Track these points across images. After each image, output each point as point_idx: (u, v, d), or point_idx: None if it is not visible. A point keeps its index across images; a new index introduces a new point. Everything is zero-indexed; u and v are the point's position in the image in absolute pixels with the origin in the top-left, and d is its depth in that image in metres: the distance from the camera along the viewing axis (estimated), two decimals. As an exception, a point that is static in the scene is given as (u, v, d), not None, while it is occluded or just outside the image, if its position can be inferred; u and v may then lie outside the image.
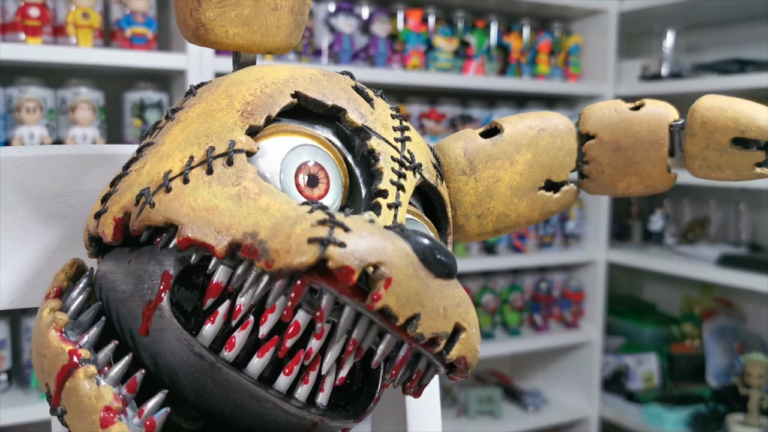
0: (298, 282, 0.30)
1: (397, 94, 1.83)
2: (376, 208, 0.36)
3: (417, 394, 0.36)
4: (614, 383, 2.03)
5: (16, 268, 0.43)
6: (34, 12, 1.37)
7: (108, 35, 1.50)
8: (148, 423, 0.30)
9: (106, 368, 0.32)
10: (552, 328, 2.03)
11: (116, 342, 0.33)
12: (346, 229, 0.30)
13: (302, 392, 0.35)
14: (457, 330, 0.33)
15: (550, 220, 1.97)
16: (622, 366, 2.03)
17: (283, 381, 0.35)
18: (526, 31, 1.95)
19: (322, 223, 0.30)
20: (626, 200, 2.16)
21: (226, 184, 0.33)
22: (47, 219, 0.44)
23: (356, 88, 0.40)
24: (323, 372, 0.35)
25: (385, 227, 0.33)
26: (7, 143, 1.39)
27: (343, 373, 0.35)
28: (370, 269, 0.30)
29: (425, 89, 1.85)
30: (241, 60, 0.41)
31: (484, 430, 1.89)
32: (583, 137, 0.49)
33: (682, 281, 2.09)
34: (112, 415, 0.30)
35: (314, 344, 0.34)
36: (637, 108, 0.49)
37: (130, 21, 1.45)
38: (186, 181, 0.33)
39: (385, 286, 0.30)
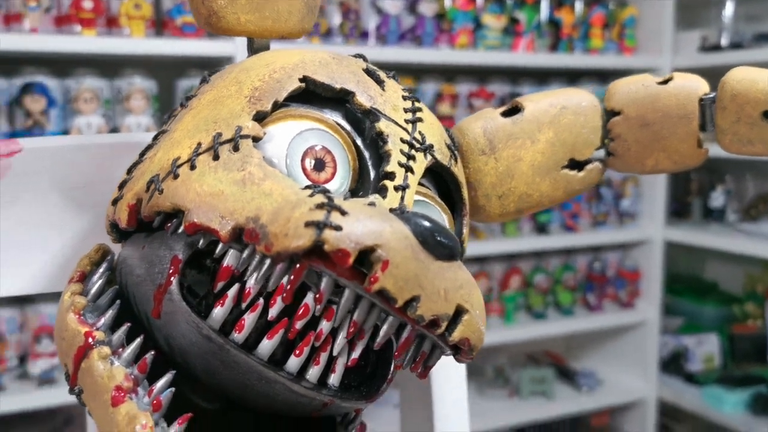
0: (297, 265, 0.31)
1: (444, 74, 1.81)
2: (383, 191, 0.36)
3: (423, 375, 0.36)
4: (673, 364, 1.99)
5: (49, 254, 0.45)
6: (87, 4, 1.41)
7: (159, 25, 1.53)
8: (155, 402, 0.31)
9: (120, 349, 0.33)
10: (606, 308, 2.00)
11: (129, 324, 0.34)
12: (343, 213, 0.30)
13: (313, 373, 0.35)
14: (460, 312, 0.33)
15: (603, 198, 1.93)
16: (681, 347, 1.99)
17: (293, 362, 0.35)
18: (579, 5, 1.91)
19: (320, 207, 0.30)
20: (685, 176, 2.10)
21: (231, 169, 0.34)
22: (78, 207, 0.46)
23: (367, 71, 0.40)
24: (334, 353, 0.35)
25: (390, 210, 0.33)
26: (65, 132, 1.44)
27: (355, 354, 0.35)
28: (368, 252, 0.30)
29: (474, 68, 1.83)
30: (255, 46, 0.42)
31: (537, 410, 1.88)
32: (609, 114, 0.48)
33: (744, 259, 2.02)
34: (122, 394, 0.31)
35: (324, 326, 0.34)
36: (665, 82, 0.47)
37: (180, 10, 1.47)
38: (193, 167, 0.34)
39: (382, 269, 0.30)
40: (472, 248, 1.78)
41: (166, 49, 1.45)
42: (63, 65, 1.47)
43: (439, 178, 0.42)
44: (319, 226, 0.30)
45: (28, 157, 0.45)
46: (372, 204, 0.33)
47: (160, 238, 0.36)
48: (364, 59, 0.42)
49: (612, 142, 0.48)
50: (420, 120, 0.40)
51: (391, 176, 0.37)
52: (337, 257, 0.30)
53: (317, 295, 0.32)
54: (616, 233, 1.95)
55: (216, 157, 0.34)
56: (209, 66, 1.66)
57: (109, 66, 1.52)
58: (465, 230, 0.42)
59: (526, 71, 1.92)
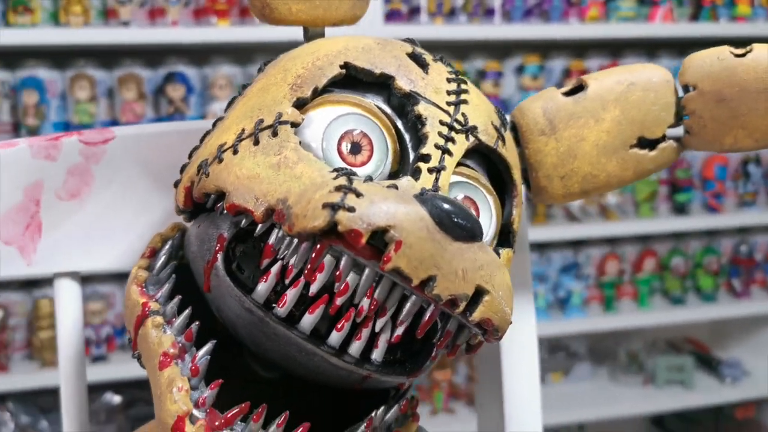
0: (318, 245, 0.33)
1: (574, 50, 1.75)
2: (417, 173, 0.37)
3: (451, 354, 0.37)
4: (832, 357, 1.83)
5: (137, 234, 0.49)
6: (222, -4, 1.50)
7: (288, 12, 1.59)
8: (193, 368, 0.34)
9: (173, 319, 0.37)
10: (754, 295, 1.86)
11: (180, 297, 0.37)
12: (358, 195, 0.32)
13: (354, 348, 0.37)
14: (481, 292, 0.33)
15: (751, 176, 1.80)
16: (841, 338, 1.82)
17: (335, 337, 0.36)
18: (724, -31, 1.77)
19: (338, 189, 0.32)
20: None
21: (269, 153, 0.36)
22: (164, 189, 0.50)
23: (412, 55, 0.41)
24: (376, 330, 0.37)
25: (421, 192, 0.34)
26: (203, 117, 1.54)
27: (399, 331, 0.36)
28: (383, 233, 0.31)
29: (606, 42, 1.75)
30: (309, 34, 0.44)
31: (674, 399, 1.79)
32: (684, 89, 0.46)
33: None
34: (168, 359, 0.34)
35: (365, 303, 0.35)
36: (743, 54, 0.45)
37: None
38: (235, 152, 0.36)
39: (395, 249, 0.31)
40: (602, 229, 1.72)
41: (295, 35, 1.51)
42: (201, 54, 1.57)
43: (490, 160, 0.42)
44: (334, 207, 0.31)
45: (121, 144, 0.49)
46: (393, 186, 0.34)
47: (210, 218, 0.38)
48: (414, 43, 0.42)
49: (687, 119, 0.46)
50: (464, 102, 0.40)
51: (426, 158, 0.37)
52: (350, 237, 0.31)
53: (337, 273, 0.33)
54: (765, 214, 1.81)
55: (256, 142, 0.36)
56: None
57: (242, 54, 1.60)
58: (515, 211, 0.42)
59: (663, 43, 1.82)
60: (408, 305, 0.34)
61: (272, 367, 0.42)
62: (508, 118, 0.47)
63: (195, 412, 0.33)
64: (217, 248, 0.37)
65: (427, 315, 0.34)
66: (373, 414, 0.37)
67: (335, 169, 0.35)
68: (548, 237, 1.73)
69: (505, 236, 0.42)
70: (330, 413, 0.42)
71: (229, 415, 0.33)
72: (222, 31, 1.49)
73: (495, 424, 0.55)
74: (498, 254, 0.41)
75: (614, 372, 1.89)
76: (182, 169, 0.41)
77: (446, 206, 0.32)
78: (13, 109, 1.46)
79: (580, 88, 0.46)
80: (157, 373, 0.34)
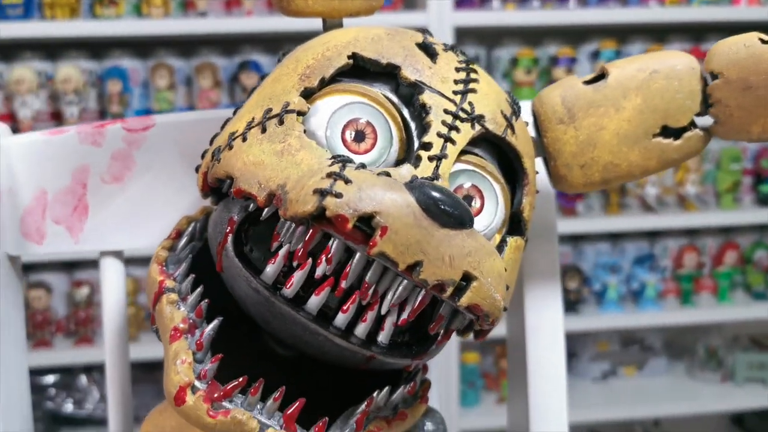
0: (310, 229, 0.34)
1: (653, 34, 1.70)
2: (418, 161, 0.38)
3: (445, 337, 0.38)
4: None
5: (174, 215, 0.52)
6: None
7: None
8: (198, 342, 0.36)
9: (188, 296, 0.39)
10: None
11: (194, 275, 0.40)
12: (347, 181, 0.33)
13: (360, 329, 0.38)
14: (468, 278, 0.34)
15: None
16: None
17: (340, 318, 0.38)
18: (821, -54, 1.67)
19: (329, 175, 0.33)
20: None
21: (274, 141, 0.37)
22: (199, 173, 0.52)
23: (423, 45, 0.41)
24: (382, 312, 0.38)
25: (411, 179, 0.35)
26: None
27: (405, 315, 0.37)
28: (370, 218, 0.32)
29: (687, 26, 1.69)
30: (327, 25, 0.45)
31: (755, 398, 1.72)
32: (711, 77, 0.44)
33: None
34: (178, 334, 0.37)
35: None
36: (771, 41, 0.43)
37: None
38: (244, 139, 0.38)
39: (380, 234, 0.32)
40: (680, 220, 1.67)
41: (367, 21, 1.52)
42: (274, 43, 1.61)
43: (501, 149, 0.42)
44: (323, 193, 0.33)
45: (160, 131, 0.52)
46: (386, 174, 0.35)
47: (224, 203, 0.41)
48: (427, 33, 0.43)
49: (712, 108, 0.45)
50: (472, 91, 0.40)
51: (428, 146, 0.38)
52: (337, 222, 0.33)
53: (328, 256, 0.34)
54: None
55: (264, 130, 0.38)
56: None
57: (272, 43, 1.63)
58: (525, 200, 0.42)
59: (748, 27, 1.73)
60: (399, 289, 0.35)
61: (288, 346, 0.44)
62: (527, 105, 0.47)
63: (197, 383, 0.35)
64: (227, 230, 0.39)
65: (418, 300, 0.35)
66: (374, 394, 0.39)
67: (333, 157, 0.36)
68: (622, 227, 1.69)
69: (516, 224, 0.43)
70: (341, 393, 0.43)
71: (228, 388, 0.35)
72: (294, 21, 1.52)
73: (522, 418, 0.55)
74: (505, 242, 0.41)
75: (692, 367, 1.83)
76: (203, 155, 0.43)
77: (434, 193, 0.33)
78: (99, 97, 1.54)
79: (602, 76, 0.46)
80: (167, 346, 0.37)
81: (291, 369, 0.44)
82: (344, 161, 0.35)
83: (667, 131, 0.45)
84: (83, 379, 1.58)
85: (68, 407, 1.56)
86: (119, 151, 0.52)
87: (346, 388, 0.44)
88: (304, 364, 0.44)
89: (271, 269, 0.38)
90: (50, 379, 1.57)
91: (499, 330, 1.67)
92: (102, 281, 0.53)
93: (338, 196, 0.32)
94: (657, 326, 1.77)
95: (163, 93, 1.52)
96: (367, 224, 0.33)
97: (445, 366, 1.65)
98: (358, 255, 0.34)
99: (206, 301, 0.38)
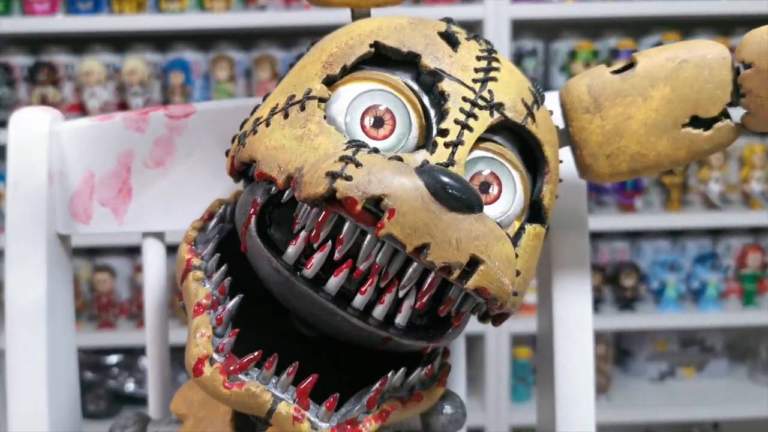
0: (323, 211, 0.35)
1: (719, 26, 1.65)
2: (434, 147, 0.38)
3: (455, 320, 0.38)
4: None
5: (212, 199, 0.53)
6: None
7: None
8: (218, 317, 0.38)
9: (213, 274, 0.41)
10: None
11: (219, 255, 0.41)
12: (358, 165, 0.34)
13: (378, 311, 0.39)
14: (476, 261, 0.35)
15: None
16: None
17: (358, 299, 0.39)
18: None
19: (341, 159, 0.34)
20: None
21: (295, 126, 0.39)
22: (238, 159, 0.54)
23: (445, 33, 0.42)
24: (400, 295, 0.39)
25: (422, 164, 0.35)
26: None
27: (425, 298, 0.38)
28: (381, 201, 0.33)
29: (755, 17, 1.63)
30: (355, 15, 0.46)
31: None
32: (743, 67, 0.44)
33: None
34: (201, 309, 0.39)
35: (363, 265, 0.37)
36: (805, 29, 0.42)
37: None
38: (268, 124, 0.40)
39: (388, 216, 0.33)
40: (744, 218, 1.62)
41: (425, 13, 1.53)
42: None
43: (522, 137, 0.43)
44: (334, 176, 0.34)
45: (200, 118, 0.54)
46: (398, 159, 0.36)
47: (251, 186, 0.42)
48: (450, 22, 0.43)
49: (743, 98, 0.44)
50: (492, 79, 0.41)
51: (444, 133, 0.39)
52: (347, 204, 0.34)
53: (340, 237, 0.36)
54: None
55: (286, 116, 0.39)
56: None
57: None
58: (546, 188, 0.43)
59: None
60: (410, 271, 0.36)
61: (311, 326, 0.45)
62: (554, 95, 0.47)
63: (215, 356, 0.37)
64: (251, 212, 0.40)
65: (428, 282, 0.36)
66: (389, 374, 0.40)
67: (349, 142, 0.37)
68: (683, 224, 1.65)
69: (537, 212, 0.43)
70: (361, 373, 0.45)
71: (244, 361, 0.37)
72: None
73: (550, 413, 0.55)
74: (523, 229, 0.41)
75: (754, 371, 1.77)
76: (233, 140, 0.45)
77: (443, 178, 0.34)
78: (163, 88, 1.60)
79: (630, 65, 0.46)
80: (190, 321, 0.39)
81: (313, 349, 0.45)
82: (359, 146, 0.36)
83: (696, 121, 0.45)
84: (144, 360, 1.64)
85: (130, 386, 1.63)
86: (161, 137, 0.54)
87: (366, 369, 0.45)
88: (327, 345, 0.45)
89: (292, 250, 0.39)
90: (113, 359, 1.64)
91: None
92: (143, 262, 0.56)
93: (348, 178, 0.34)
94: (718, 327, 1.72)
95: (223, 84, 1.56)
96: (377, 207, 0.34)
97: (495, 360, 1.64)
98: (369, 237, 0.36)
99: (229, 279, 0.40)
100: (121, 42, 1.60)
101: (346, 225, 0.36)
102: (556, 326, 0.54)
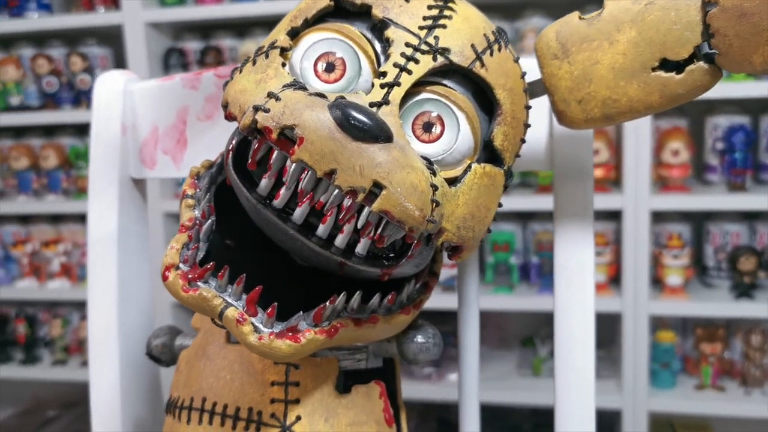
0: (256, 140, 0.41)
1: None
2: (372, 87, 0.42)
3: (379, 243, 0.42)
4: None
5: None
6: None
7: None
8: (189, 234, 0.45)
9: (202, 203, 0.48)
10: None
11: (212, 186, 0.48)
12: (277, 99, 0.39)
13: (339, 240, 0.43)
14: (378, 186, 0.38)
15: None
16: None
17: (321, 229, 0.43)
18: None
19: (268, 95, 0.40)
20: None
21: (258, 72, 0.44)
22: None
23: None
24: (358, 226, 0.43)
25: (335, 99, 0.39)
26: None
27: (347, 218, 0.41)
28: (289, 130, 0.38)
29: None
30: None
31: None
32: (709, 6, 0.43)
33: None
34: (183, 229, 0.45)
35: (346, 202, 0.42)
36: (771, -38, 0.40)
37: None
38: (240, 72, 0.46)
39: (298, 144, 0.38)
40: None
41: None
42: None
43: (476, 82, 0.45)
44: (257, 109, 0.39)
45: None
46: (319, 95, 0.40)
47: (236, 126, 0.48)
48: None
49: (713, 38, 0.43)
50: (441, 26, 0.43)
51: (382, 75, 0.42)
52: (266, 132, 0.39)
53: (269, 164, 0.41)
54: None
55: (254, 63, 0.45)
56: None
57: (512, 9, 1.65)
58: (497, 129, 0.44)
59: None
60: (333, 195, 0.40)
61: (304, 258, 0.50)
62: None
63: (181, 266, 0.44)
64: (229, 147, 0.46)
65: (345, 204, 0.40)
66: (342, 294, 0.44)
67: (290, 83, 0.42)
68: None
69: (491, 153, 0.45)
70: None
71: (201, 270, 0.43)
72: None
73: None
74: (469, 168, 0.44)
75: None
76: None
77: (349, 110, 0.38)
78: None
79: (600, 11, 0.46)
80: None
81: (303, 280, 0.50)
82: (293, 86, 0.41)
83: (668, 65, 0.44)
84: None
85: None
86: (211, 94, 0.62)
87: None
88: (319, 278, 0.50)
89: (263, 183, 0.45)
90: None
91: (699, 311, 1.60)
92: (198, 203, 0.64)
93: (266, 111, 0.39)
94: None
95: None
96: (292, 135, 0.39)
97: (632, 342, 1.59)
98: (294, 165, 0.40)
99: (209, 204, 0.47)
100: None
101: (275, 154, 0.41)
102: (557, 271, 0.55)
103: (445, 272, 1.66)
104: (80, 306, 1.94)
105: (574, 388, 0.54)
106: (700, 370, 1.66)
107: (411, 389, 1.71)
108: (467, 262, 0.58)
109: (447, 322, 1.01)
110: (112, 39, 1.87)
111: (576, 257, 0.54)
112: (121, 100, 0.64)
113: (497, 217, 0.47)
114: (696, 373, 1.69)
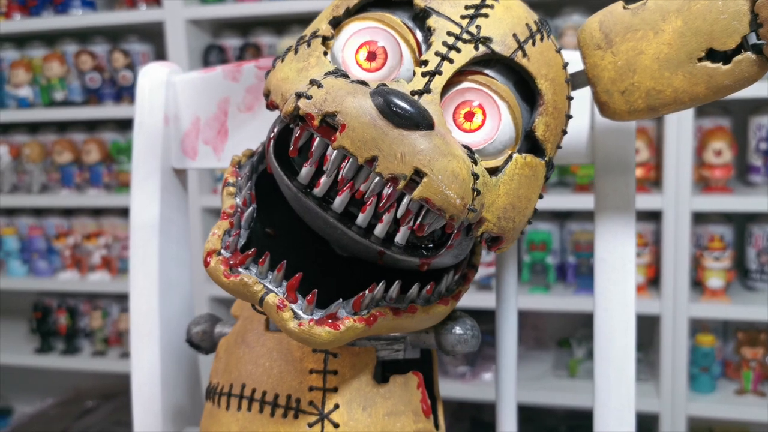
0: (298, 128, 0.41)
1: None
2: (413, 76, 0.42)
3: (419, 231, 0.42)
4: None
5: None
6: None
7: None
8: (230, 221, 0.45)
9: (243, 189, 0.48)
10: None
11: (253, 174, 0.48)
12: (319, 86, 0.39)
13: (378, 229, 0.43)
14: (419, 173, 0.38)
15: None
16: None
17: (360, 217, 0.43)
18: None
19: (310, 83, 0.40)
20: None
21: (300, 60, 0.45)
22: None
23: None
24: (398, 216, 0.43)
25: (377, 86, 0.39)
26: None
27: (387, 206, 0.41)
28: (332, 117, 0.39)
29: None
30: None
31: None
32: (762, -5, 0.42)
33: None
34: (225, 216, 0.46)
35: (386, 190, 0.42)
36: (825, -51, 0.39)
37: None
38: (282, 60, 0.46)
39: (340, 131, 0.38)
40: None
41: None
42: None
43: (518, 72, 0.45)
44: (299, 96, 0.39)
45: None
46: (361, 83, 0.40)
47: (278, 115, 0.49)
48: None
49: (761, 28, 0.42)
50: (483, 15, 0.43)
51: (424, 63, 0.42)
52: (308, 119, 0.39)
53: (311, 152, 0.41)
54: None
55: (296, 52, 0.46)
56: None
57: (551, 6, 1.64)
58: (539, 119, 0.44)
59: None
60: (371, 184, 0.40)
61: (343, 247, 0.51)
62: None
63: (223, 251, 0.44)
64: (271, 136, 0.47)
65: (386, 192, 0.40)
66: (381, 283, 0.44)
67: (332, 71, 0.42)
68: None
69: (532, 143, 0.45)
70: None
71: (242, 256, 0.44)
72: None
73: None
74: (511, 158, 0.43)
75: None
76: None
77: (391, 98, 0.38)
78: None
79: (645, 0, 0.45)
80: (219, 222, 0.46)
81: (345, 268, 0.51)
82: (335, 73, 0.41)
83: (714, 55, 0.44)
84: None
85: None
86: (252, 85, 0.63)
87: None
88: (359, 266, 0.50)
89: (305, 171, 0.45)
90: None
91: (740, 314, 1.57)
92: (238, 193, 0.65)
93: (308, 98, 0.39)
94: None
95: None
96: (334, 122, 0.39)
97: (671, 345, 1.57)
98: (335, 152, 0.41)
99: (251, 192, 0.47)
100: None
101: (317, 140, 0.41)
102: (597, 265, 0.54)
103: (482, 271, 1.65)
104: (120, 298, 1.98)
105: (613, 381, 0.53)
106: (741, 375, 1.63)
107: (445, 388, 1.71)
108: (506, 260, 0.58)
109: (483, 321, 1.01)
110: (153, 36, 1.90)
111: (618, 251, 0.54)
112: (164, 91, 0.65)
113: (536, 212, 0.47)
114: (736, 378, 1.66)
